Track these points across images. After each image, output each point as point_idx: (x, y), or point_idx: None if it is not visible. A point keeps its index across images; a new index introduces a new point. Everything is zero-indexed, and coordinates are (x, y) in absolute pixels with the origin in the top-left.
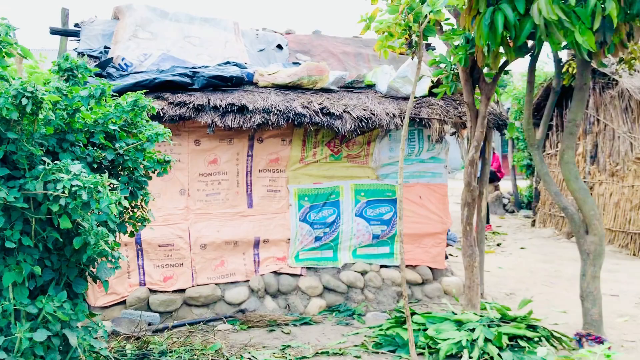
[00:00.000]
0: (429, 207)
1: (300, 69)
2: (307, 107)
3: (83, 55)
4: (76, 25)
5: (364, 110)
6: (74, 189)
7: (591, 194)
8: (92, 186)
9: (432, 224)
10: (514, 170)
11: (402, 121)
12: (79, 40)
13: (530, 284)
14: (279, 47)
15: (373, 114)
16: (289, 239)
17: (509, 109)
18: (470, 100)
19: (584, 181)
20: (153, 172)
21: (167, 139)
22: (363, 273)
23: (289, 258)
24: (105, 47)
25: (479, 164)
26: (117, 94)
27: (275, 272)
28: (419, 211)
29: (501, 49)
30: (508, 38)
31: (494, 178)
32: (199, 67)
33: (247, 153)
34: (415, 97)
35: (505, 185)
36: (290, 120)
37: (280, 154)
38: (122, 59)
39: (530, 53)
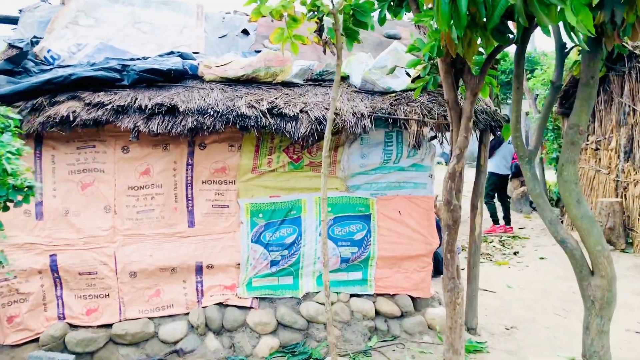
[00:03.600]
0: (410, 224)
1: (257, 59)
2: (254, 107)
3: (11, 46)
4: (20, 11)
5: (326, 109)
6: None
7: (625, 195)
8: None
9: (415, 245)
10: (542, 163)
11: (373, 122)
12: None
13: (539, 311)
14: (245, 32)
15: (336, 114)
16: (239, 264)
17: (537, 95)
18: (452, 97)
19: (617, 180)
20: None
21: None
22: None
23: (239, 286)
24: (35, 37)
25: (476, 173)
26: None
27: (221, 304)
28: (398, 229)
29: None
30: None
31: (520, 172)
32: (136, 59)
33: (186, 161)
34: (394, 92)
35: None
36: (231, 123)
37: (228, 162)
38: (48, 51)
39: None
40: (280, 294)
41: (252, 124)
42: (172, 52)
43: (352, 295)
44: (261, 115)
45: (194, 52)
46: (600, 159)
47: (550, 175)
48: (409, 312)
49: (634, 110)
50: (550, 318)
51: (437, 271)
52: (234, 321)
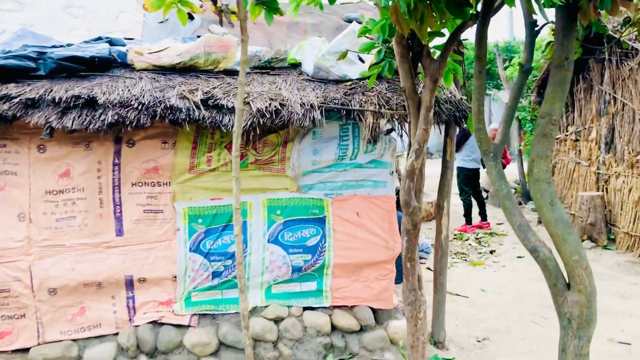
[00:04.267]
0: (370, 228)
1: (196, 44)
2: (187, 98)
3: None
4: None
5: (271, 100)
6: None
7: (606, 188)
8: None
9: (375, 250)
10: (521, 155)
11: (325, 114)
12: None
13: (515, 319)
14: (190, 16)
15: (283, 105)
16: (176, 276)
17: None
18: (409, 84)
19: (597, 173)
20: None
21: None
22: (278, 320)
23: (177, 302)
24: None
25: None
26: None
27: (156, 323)
28: (356, 233)
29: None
30: None
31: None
32: (59, 47)
33: (112, 161)
34: (350, 80)
35: (513, 171)
36: (159, 117)
37: (161, 161)
38: None
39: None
40: (223, 309)
41: (184, 117)
42: (100, 38)
43: (305, 309)
44: (194, 107)
45: (127, 39)
46: (580, 151)
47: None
48: (369, 325)
49: (615, 99)
50: (527, 327)
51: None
52: (169, 342)
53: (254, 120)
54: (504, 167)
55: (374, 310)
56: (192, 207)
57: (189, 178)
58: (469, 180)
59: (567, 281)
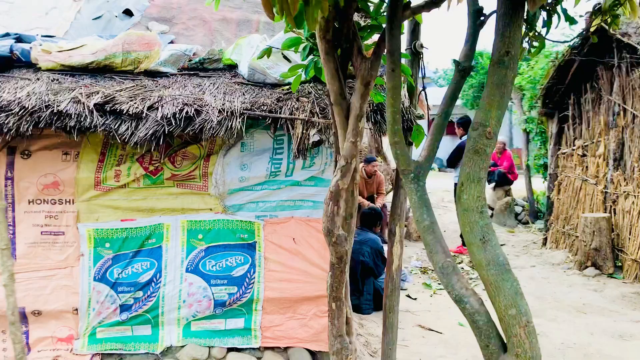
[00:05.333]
0: (308, 256)
1: (114, 42)
2: (82, 102)
3: None
4: None
5: (185, 105)
6: None
7: (614, 209)
8: None
9: (314, 283)
10: (528, 171)
11: (254, 123)
12: None
13: None
14: (128, 13)
15: (198, 112)
16: (77, 309)
17: (524, 95)
18: (336, 87)
19: (605, 192)
20: None
21: None
22: None
23: (79, 338)
24: None
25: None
26: None
27: None
28: (292, 262)
29: None
30: None
31: (505, 181)
32: None
33: (4, 174)
34: (288, 84)
35: (520, 187)
36: (45, 124)
37: (61, 176)
38: None
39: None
40: (132, 348)
41: (73, 124)
42: (7, 34)
43: (230, 350)
44: (88, 113)
45: (47, 36)
46: (587, 167)
47: (537, 183)
48: None
49: (625, 110)
50: None
51: (377, 306)
52: None
53: (159, 128)
54: (511, 183)
55: (312, 353)
56: (99, 229)
57: (95, 195)
58: None
59: (502, 342)
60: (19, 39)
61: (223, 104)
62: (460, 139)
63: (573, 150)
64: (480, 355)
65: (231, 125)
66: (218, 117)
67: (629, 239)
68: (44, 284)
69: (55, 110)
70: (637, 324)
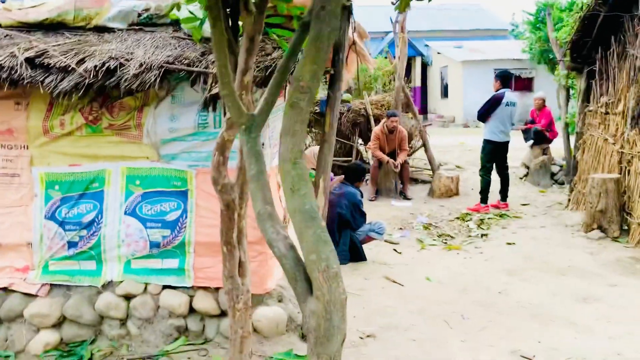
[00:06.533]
0: None
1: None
2: (16, 56)
3: None
4: None
5: (111, 58)
6: None
7: (628, 170)
8: None
9: None
10: (567, 129)
11: (167, 76)
12: None
13: (428, 316)
14: None
15: (122, 65)
16: (31, 243)
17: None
18: (217, 37)
19: (621, 152)
20: None
21: None
22: (129, 297)
23: (34, 269)
24: None
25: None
26: None
27: (6, 289)
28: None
29: None
30: None
31: (542, 139)
32: None
33: None
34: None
35: (561, 146)
36: None
37: (14, 124)
38: None
39: None
40: (77, 281)
41: (5, 76)
42: None
43: (165, 287)
44: (18, 66)
45: None
46: (608, 126)
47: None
48: None
49: None
50: (432, 327)
51: (354, 257)
52: (10, 311)
53: (84, 80)
54: (550, 141)
55: None
56: (50, 173)
57: (45, 142)
58: (494, 156)
59: (308, 285)
60: None
61: (148, 58)
62: (496, 92)
63: (599, 107)
64: (427, 307)
65: (147, 79)
66: (136, 70)
67: (638, 201)
68: (2, 220)
69: None
70: (612, 288)
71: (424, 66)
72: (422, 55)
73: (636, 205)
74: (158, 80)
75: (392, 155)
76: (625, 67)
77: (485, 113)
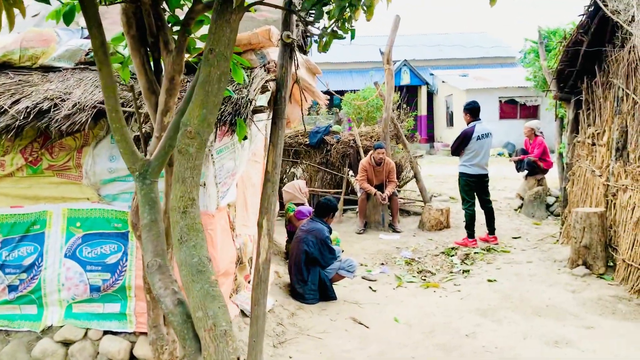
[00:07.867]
0: None
1: (14, 39)
2: None
3: None
4: None
5: (46, 99)
6: None
7: (614, 203)
8: None
9: None
10: (562, 159)
11: (103, 117)
12: None
13: None
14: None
15: (56, 106)
16: None
17: None
18: (144, 82)
19: (606, 185)
20: None
21: None
22: (68, 343)
23: None
24: None
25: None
26: None
27: None
28: None
29: None
30: None
31: (535, 169)
32: None
33: None
34: None
35: (556, 177)
36: None
37: None
38: None
39: None
40: (17, 325)
41: None
42: None
43: (106, 332)
44: None
45: None
46: (595, 157)
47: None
48: None
49: (628, 95)
50: None
51: (323, 296)
52: None
53: (11, 122)
54: (544, 172)
55: None
56: None
57: None
58: (471, 188)
59: (197, 347)
60: None
61: (85, 98)
62: (467, 125)
63: (585, 139)
64: (388, 350)
65: (76, 120)
66: (69, 111)
67: (623, 236)
68: None
69: None
70: (587, 330)
71: (430, 95)
72: (427, 84)
73: (622, 240)
74: (90, 120)
75: (381, 187)
76: (610, 97)
77: (458, 147)
